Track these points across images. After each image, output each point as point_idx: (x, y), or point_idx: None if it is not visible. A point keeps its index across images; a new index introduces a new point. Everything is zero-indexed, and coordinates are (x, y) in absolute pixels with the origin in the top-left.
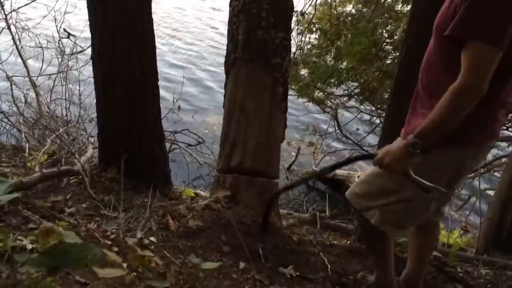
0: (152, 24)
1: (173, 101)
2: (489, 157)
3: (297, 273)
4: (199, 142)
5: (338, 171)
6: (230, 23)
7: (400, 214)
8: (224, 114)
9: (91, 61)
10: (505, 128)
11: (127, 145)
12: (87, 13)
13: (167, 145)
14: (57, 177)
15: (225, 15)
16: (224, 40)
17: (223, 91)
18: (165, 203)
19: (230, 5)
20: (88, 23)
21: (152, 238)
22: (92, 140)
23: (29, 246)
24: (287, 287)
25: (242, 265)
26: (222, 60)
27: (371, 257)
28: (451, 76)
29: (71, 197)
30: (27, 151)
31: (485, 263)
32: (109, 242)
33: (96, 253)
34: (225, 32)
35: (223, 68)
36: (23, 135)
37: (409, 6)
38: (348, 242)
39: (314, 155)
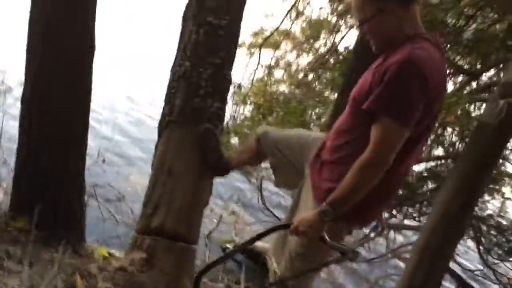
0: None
1: (98, 153)
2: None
3: None
4: (119, 199)
5: (257, 242)
6: (169, 87)
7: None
8: (151, 175)
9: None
10: (412, 217)
11: (44, 193)
12: None
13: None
14: None
15: None
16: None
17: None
18: (75, 260)
19: (171, 70)
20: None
21: None
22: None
23: None
24: None
25: None
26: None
27: None
28: (357, 142)
29: None
30: None
31: None
32: None
33: None
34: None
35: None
36: None
37: (336, 94)
38: None
39: (236, 225)
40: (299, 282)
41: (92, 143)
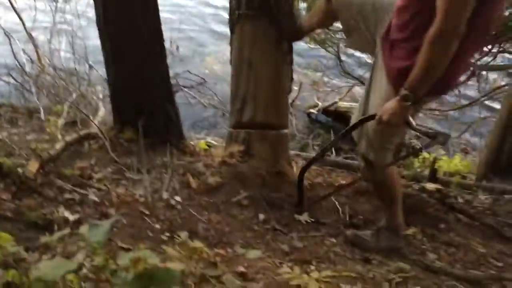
0: None
1: (170, 43)
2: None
3: (312, 219)
4: (201, 83)
5: (341, 103)
6: None
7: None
8: (232, 71)
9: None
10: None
11: (139, 105)
12: None
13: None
14: (78, 143)
15: None
16: None
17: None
18: (183, 161)
19: None
20: None
21: (177, 198)
22: (101, 97)
23: (71, 218)
24: (304, 233)
25: (261, 216)
26: None
27: (382, 203)
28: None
29: (96, 162)
30: (41, 113)
31: (484, 189)
32: (147, 211)
33: (176, 275)
34: None
35: None
36: (34, 97)
37: None
38: (356, 181)
39: (317, 90)
40: (379, 156)
41: None
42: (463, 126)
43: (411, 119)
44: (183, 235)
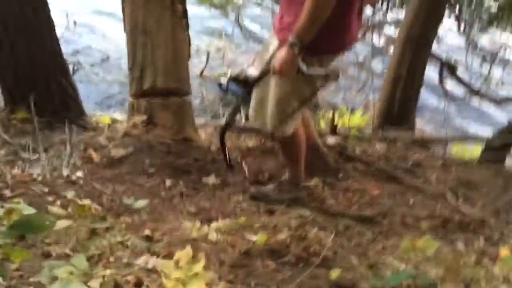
0: None
1: (67, 16)
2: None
3: (219, 181)
4: (104, 60)
5: (251, 72)
6: None
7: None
8: (127, 38)
9: None
10: None
11: (31, 82)
12: None
13: (70, 67)
14: None
15: None
16: None
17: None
18: (84, 137)
19: None
20: None
21: (78, 173)
22: None
23: None
24: (212, 194)
25: (168, 182)
26: None
27: (288, 161)
28: None
29: None
30: None
31: (379, 139)
32: (45, 189)
33: (51, 220)
34: None
35: None
36: None
37: None
38: (262, 142)
39: (226, 55)
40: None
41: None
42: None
43: (302, 65)
44: (70, 194)
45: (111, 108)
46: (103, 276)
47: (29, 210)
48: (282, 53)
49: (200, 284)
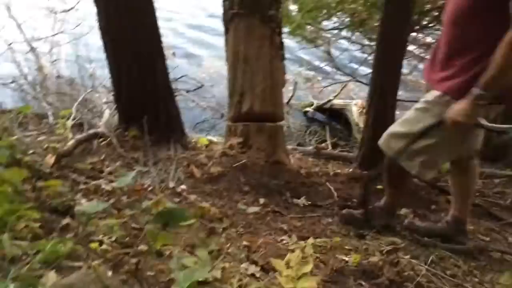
0: None
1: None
2: None
3: (309, 202)
4: (199, 87)
5: (335, 101)
6: None
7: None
8: (229, 67)
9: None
10: None
11: (142, 105)
12: None
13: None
14: (88, 141)
15: None
16: None
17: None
18: (186, 154)
19: None
20: None
21: (182, 186)
22: (105, 102)
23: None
24: (302, 214)
25: (261, 200)
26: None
27: (388, 188)
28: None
29: (105, 158)
30: (49, 118)
31: None
32: (155, 198)
33: (189, 214)
34: None
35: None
36: (43, 103)
37: None
38: (350, 170)
39: (311, 86)
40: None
41: None
42: None
43: (480, 119)
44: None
45: (204, 132)
46: (223, 268)
47: (172, 204)
48: (464, 105)
49: (311, 283)
